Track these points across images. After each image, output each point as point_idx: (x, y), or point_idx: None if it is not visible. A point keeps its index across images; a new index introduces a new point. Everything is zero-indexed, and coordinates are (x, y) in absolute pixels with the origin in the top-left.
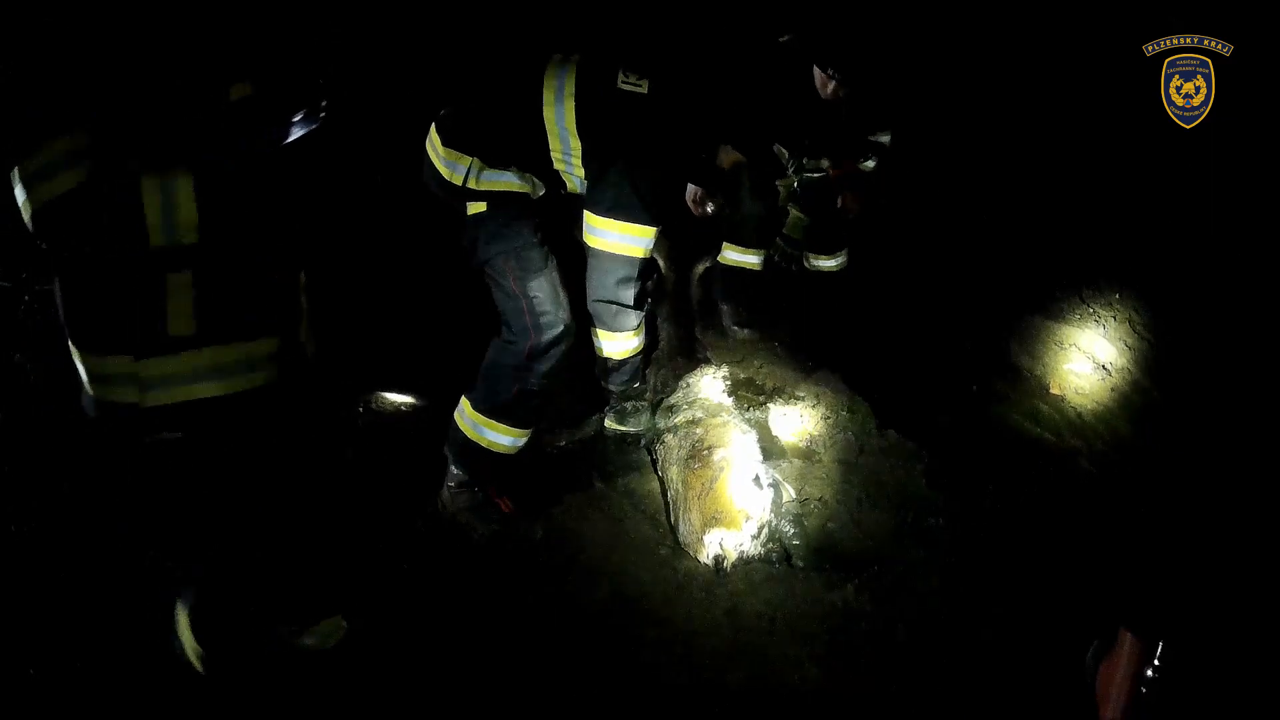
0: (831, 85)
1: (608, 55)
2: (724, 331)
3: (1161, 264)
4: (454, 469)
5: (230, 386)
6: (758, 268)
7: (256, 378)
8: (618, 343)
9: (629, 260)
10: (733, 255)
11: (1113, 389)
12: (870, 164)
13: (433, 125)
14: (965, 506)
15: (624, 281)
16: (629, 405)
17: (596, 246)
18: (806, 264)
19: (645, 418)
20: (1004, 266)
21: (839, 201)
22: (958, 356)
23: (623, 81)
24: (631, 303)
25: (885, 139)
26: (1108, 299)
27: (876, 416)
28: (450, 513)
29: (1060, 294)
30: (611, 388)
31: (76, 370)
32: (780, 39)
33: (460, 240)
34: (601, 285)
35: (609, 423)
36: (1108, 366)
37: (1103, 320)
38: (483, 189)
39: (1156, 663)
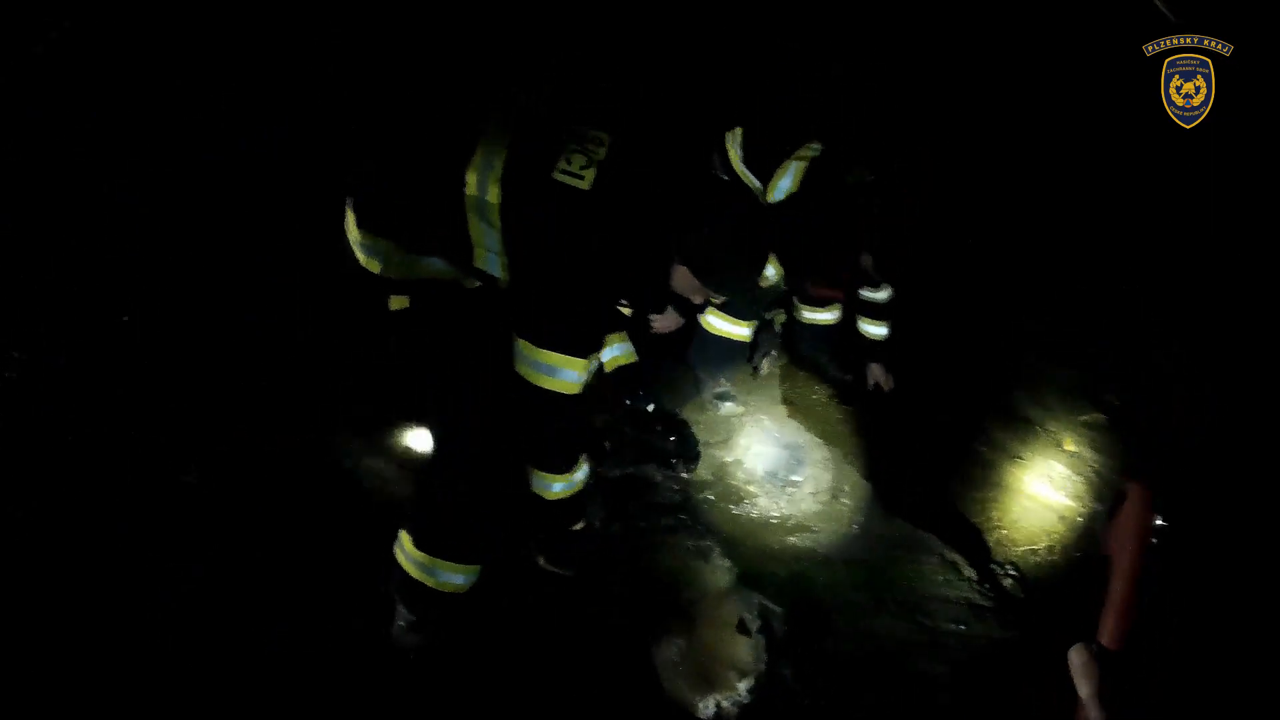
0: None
1: (561, 122)
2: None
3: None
4: (402, 609)
5: None
6: (747, 340)
7: None
8: (548, 483)
9: (559, 396)
10: (720, 325)
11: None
12: (882, 332)
13: (348, 202)
14: (986, 602)
15: (552, 419)
16: (563, 549)
17: (523, 376)
18: (798, 317)
19: (583, 560)
20: (1000, 300)
21: (870, 380)
22: (962, 413)
23: (561, 170)
24: (560, 442)
25: (883, 296)
26: (1118, 335)
27: (882, 499)
28: (404, 652)
29: (1065, 331)
30: (544, 525)
31: None
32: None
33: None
34: (528, 420)
35: (542, 562)
36: (1123, 416)
37: (1115, 362)
38: (404, 277)
39: (1164, 511)
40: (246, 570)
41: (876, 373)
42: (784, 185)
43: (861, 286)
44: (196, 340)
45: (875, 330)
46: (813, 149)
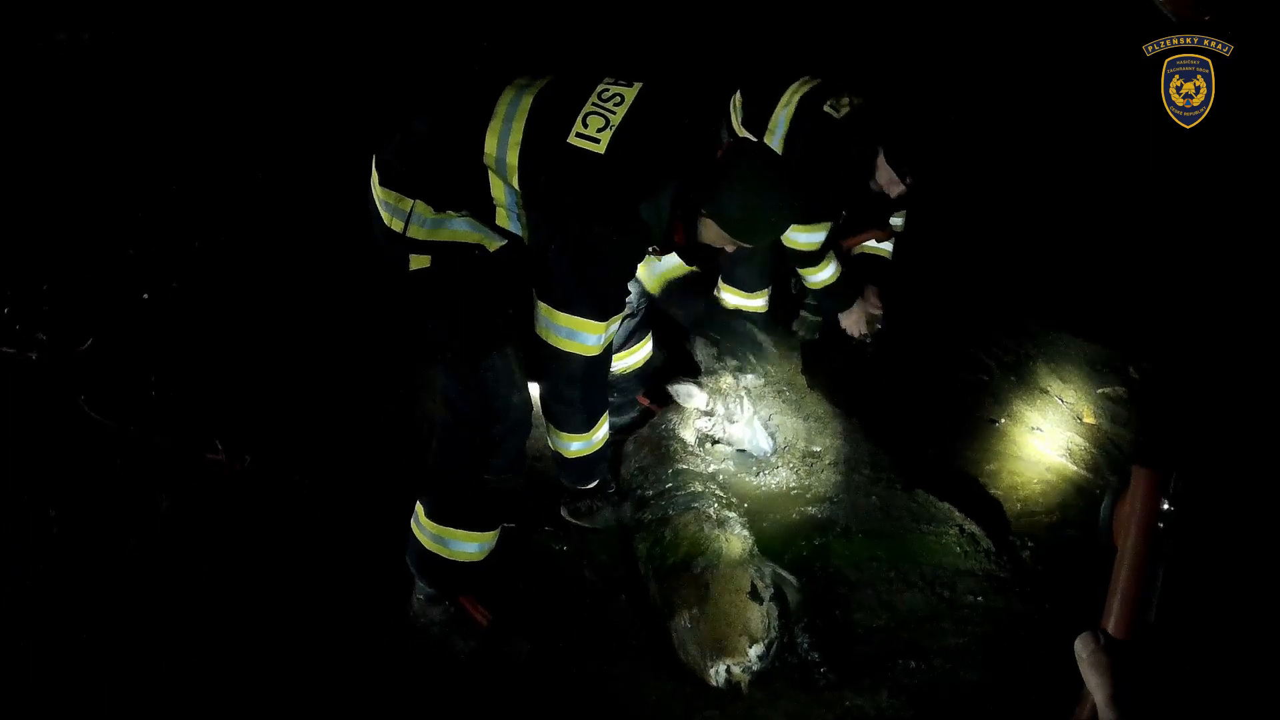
0: (896, 185)
1: (576, 86)
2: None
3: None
4: (420, 582)
5: None
6: (762, 310)
7: None
8: (566, 442)
9: (577, 358)
10: (734, 300)
11: (1152, 415)
12: (888, 247)
13: (373, 160)
14: (1004, 574)
15: (571, 381)
16: (582, 505)
17: (542, 338)
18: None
19: (603, 516)
20: (1020, 278)
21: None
22: (981, 385)
23: (578, 133)
24: (581, 403)
25: (899, 221)
26: (1137, 309)
27: (902, 470)
28: (423, 626)
29: (1084, 307)
30: (563, 482)
31: None
32: (827, 102)
33: (398, 303)
34: (548, 382)
35: (564, 514)
36: (1143, 388)
37: (1134, 335)
38: (426, 239)
39: (1172, 496)
40: (265, 551)
41: (870, 295)
42: (774, 142)
43: (891, 213)
44: (213, 322)
45: (886, 245)
46: (796, 93)
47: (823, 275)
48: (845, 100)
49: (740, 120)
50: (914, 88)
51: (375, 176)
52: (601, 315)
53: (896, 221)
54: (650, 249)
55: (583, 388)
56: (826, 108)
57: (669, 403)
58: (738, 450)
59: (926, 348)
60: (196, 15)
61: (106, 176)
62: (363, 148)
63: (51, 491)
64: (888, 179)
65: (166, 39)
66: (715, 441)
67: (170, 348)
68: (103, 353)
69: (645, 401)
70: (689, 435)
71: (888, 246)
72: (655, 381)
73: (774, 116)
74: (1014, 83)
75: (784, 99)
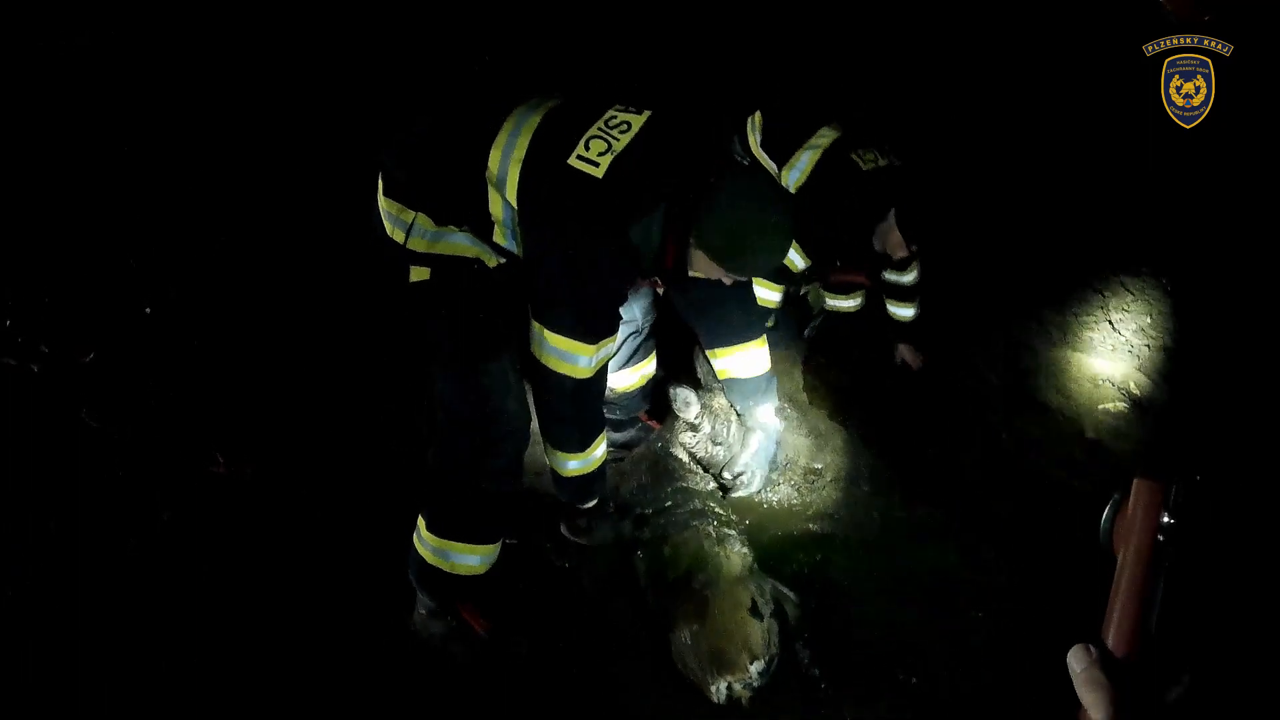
0: (901, 250)
1: (585, 109)
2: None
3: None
4: (422, 596)
5: None
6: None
7: None
8: (563, 460)
9: (568, 379)
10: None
11: (1152, 429)
12: (909, 313)
13: (379, 171)
14: (1004, 588)
15: (564, 400)
16: (582, 522)
17: (536, 357)
18: (823, 305)
19: (602, 533)
20: (1020, 288)
21: (898, 358)
22: (982, 397)
23: (578, 155)
24: (574, 423)
25: (906, 279)
26: (1138, 324)
27: (902, 485)
28: (424, 638)
29: (1086, 319)
30: (561, 498)
31: None
32: (855, 151)
33: (399, 312)
34: (542, 400)
35: (564, 530)
36: (1144, 404)
37: (1135, 350)
38: (426, 251)
39: (1173, 508)
40: (265, 559)
41: (904, 352)
42: (794, 175)
43: (886, 269)
44: (215, 331)
45: (902, 312)
46: (825, 137)
47: (772, 295)
48: (871, 156)
49: (759, 141)
50: (940, 159)
51: (381, 186)
52: (592, 338)
53: (893, 278)
54: (652, 280)
55: (575, 407)
56: (854, 156)
57: (671, 420)
58: (714, 476)
59: (928, 362)
60: (197, 21)
61: (108, 186)
62: (362, 156)
63: (53, 501)
64: (895, 242)
65: (167, 42)
66: (697, 460)
67: (173, 358)
68: (105, 364)
69: (647, 419)
70: (687, 454)
71: (907, 313)
72: (658, 399)
73: (798, 153)
74: (1013, 83)
75: (812, 140)
